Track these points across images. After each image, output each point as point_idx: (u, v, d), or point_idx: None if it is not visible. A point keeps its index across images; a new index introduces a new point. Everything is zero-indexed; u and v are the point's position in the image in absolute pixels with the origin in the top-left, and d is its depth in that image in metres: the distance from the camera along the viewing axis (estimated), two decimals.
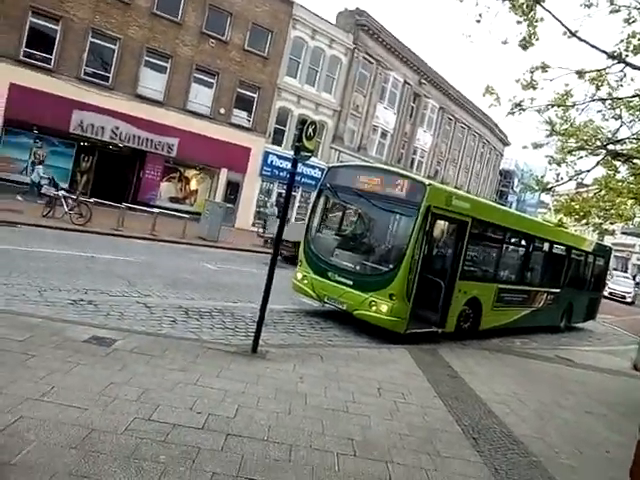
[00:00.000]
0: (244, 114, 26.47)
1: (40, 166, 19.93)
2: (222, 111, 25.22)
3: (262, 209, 26.52)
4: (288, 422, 4.87)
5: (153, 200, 23.52)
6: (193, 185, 26.19)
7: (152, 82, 23.27)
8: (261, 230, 23.43)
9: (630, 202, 12.53)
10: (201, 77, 24.64)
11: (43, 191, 16.67)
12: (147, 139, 22.95)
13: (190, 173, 26.00)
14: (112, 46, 22.09)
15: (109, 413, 4.27)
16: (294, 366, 6.58)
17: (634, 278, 44.97)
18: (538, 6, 9.25)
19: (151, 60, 23.13)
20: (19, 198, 16.56)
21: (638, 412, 8.22)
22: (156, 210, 17.97)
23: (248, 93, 26.24)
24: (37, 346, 5.38)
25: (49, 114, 20.14)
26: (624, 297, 33.18)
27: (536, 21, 9.40)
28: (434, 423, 5.65)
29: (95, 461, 3.53)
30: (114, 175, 23.53)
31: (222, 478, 3.66)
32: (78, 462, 3.48)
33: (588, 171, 12.09)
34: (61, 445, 3.64)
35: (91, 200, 16.71)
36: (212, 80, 24.93)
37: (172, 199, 25.20)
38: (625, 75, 10.18)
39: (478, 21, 9.76)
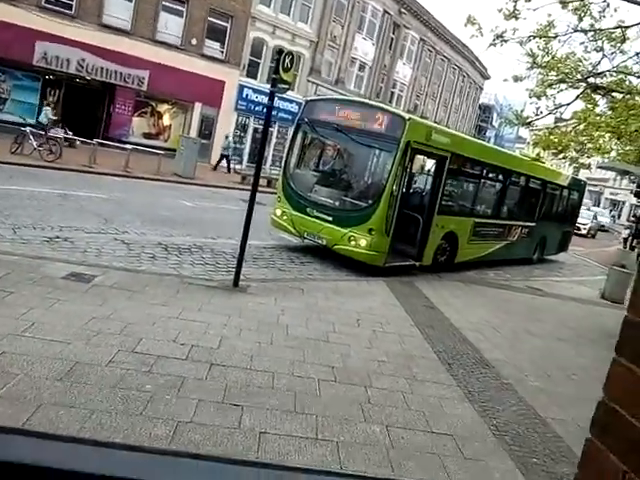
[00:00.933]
0: (217, 45, 25.33)
1: (48, 107, 19.21)
2: (194, 42, 24.08)
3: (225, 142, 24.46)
4: (270, 352, 4.99)
5: (125, 136, 22.74)
6: (166, 120, 25.37)
7: (118, 10, 21.93)
8: (212, 165, 22.51)
9: (608, 136, 12.62)
10: (170, 5, 23.29)
11: (51, 133, 16.17)
12: (116, 71, 21.92)
13: (163, 108, 25.11)
14: None
15: (92, 346, 4.31)
16: (275, 299, 6.68)
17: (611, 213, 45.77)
18: None
19: None
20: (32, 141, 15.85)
21: (605, 338, 8.63)
22: (129, 146, 17.44)
23: (220, 22, 24.99)
24: (14, 283, 5.33)
25: (10, 45, 18.96)
26: (579, 229, 34.23)
27: None
28: (411, 350, 5.87)
29: (80, 392, 3.59)
30: (83, 110, 22.59)
31: (207, 404, 3.77)
32: (64, 393, 3.54)
33: (568, 104, 12.07)
34: (46, 378, 3.68)
35: (60, 136, 16.13)
36: (182, 8, 23.62)
37: (145, 135, 24.43)
38: (608, 5, 10.02)
39: None
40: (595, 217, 37.43)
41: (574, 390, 5.76)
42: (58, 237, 7.90)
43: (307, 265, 9.60)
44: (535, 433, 4.48)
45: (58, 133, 15.97)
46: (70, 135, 16.20)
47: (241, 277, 6.93)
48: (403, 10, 35.26)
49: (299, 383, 4.45)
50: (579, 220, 34.11)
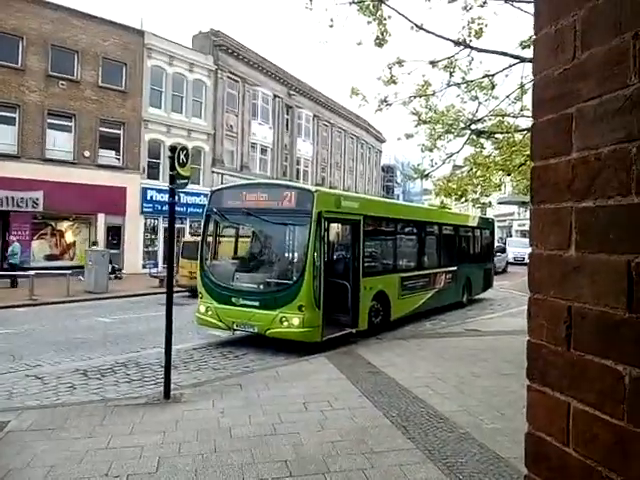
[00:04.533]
0: (112, 153, 25.17)
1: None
2: (87, 154, 23.78)
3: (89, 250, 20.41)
4: (215, 461, 4.60)
5: (26, 262, 21.39)
6: (69, 237, 24.33)
7: (1, 136, 21.41)
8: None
9: (499, 173, 13.50)
10: (56, 122, 23.01)
11: None
12: (7, 197, 20.88)
13: (63, 225, 24.17)
14: None
15: None
16: (213, 402, 6.27)
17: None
18: (383, 5, 9.70)
19: None
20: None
21: None
22: (32, 272, 16.45)
23: (112, 130, 24.97)
24: None
25: None
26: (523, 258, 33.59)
27: (384, 19, 9.85)
28: (363, 422, 5.63)
29: None
30: None
31: None
32: None
33: (457, 152, 12.84)
34: None
35: None
36: (69, 123, 23.42)
37: (48, 257, 23.18)
38: (473, 59, 10.92)
39: (331, 26, 10.07)
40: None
41: None
42: None
43: (242, 358, 9.19)
44: (502, 478, 4.35)
45: None
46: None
47: (172, 386, 6.48)
48: (292, 92, 37.25)
49: None
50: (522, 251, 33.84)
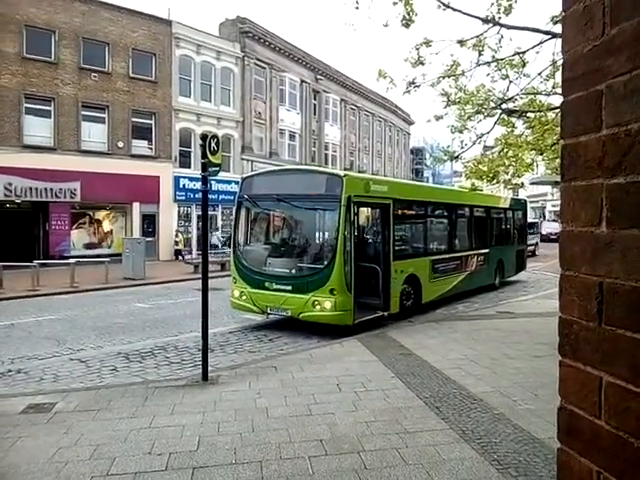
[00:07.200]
0: (144, 143, 25.62)
1: (217, 232, 25.11)
2: (120, 144, 24.27)
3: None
4: (253, 439, 4.74)
5: (66, 251, 22.19)
6: (106, 226, 25.03)
7: (38, 129, 22.00)
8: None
9: (531, 153, 13.21)
10: (90, 114, 23.55)
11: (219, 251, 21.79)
12: (45, 189, 21.65)
13: (100, 214, 24.86)
14: None
15: (63, 479, 3.96)
16: (249, 383, 6.43)
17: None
18: None
19: (32, 106, 21.83)
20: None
21: None
22: (72, 260, 16.99)
23: (144, 121, 25.39)
24: None
25: None
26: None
27: None
28: (397, 403, 5.69)
29: None
30: (18, 234, 22.11)
31: None
32: None
33: (488, 133, 12.61)
34: None
35: None
36: (103, 115, 23.93)
37: (87, 245, 23.94)
38: (502, 36, 10.60)
39: (357, 8, 9.98)
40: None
41: None
42: (10, 371, 7.48)
43: (276, 341, 9.36)
44: (537, 458, 4.36)
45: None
46: None
47: (210, 368, 6.67)
48: (319, 77, 37.06)
49: (289, 466, 4.20)
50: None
